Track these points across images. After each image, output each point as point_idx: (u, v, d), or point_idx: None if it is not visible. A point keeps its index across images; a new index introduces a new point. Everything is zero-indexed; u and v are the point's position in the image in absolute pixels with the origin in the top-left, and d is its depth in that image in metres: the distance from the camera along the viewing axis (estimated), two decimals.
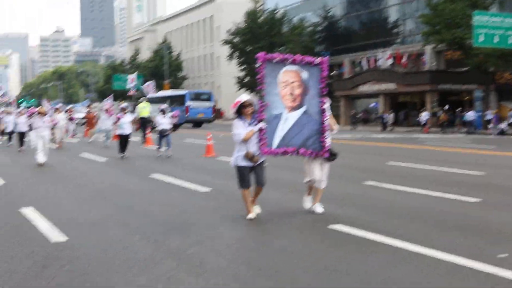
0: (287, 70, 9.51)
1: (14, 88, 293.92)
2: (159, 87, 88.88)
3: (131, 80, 65.03)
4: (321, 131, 9.66)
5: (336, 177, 14.71)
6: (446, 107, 46.65)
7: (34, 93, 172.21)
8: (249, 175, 9.30)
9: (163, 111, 22.00)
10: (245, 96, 9.31)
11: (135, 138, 29.05)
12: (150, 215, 9.91)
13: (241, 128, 9.13)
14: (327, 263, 6.77)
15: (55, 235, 8.31)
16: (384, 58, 52.67)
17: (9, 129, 28.63)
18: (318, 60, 9.72)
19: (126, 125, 21.38)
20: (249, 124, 9.17)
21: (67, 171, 17.26)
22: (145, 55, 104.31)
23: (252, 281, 6.10)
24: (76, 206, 10.96)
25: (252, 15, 66.49)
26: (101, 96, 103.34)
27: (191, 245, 7.68)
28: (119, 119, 21.56)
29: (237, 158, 9.26)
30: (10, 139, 28.94)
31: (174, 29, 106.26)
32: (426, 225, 8.88)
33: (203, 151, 22.15)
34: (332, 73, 62.65)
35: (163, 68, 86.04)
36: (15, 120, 27.00)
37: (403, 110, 54.78)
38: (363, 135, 39.01)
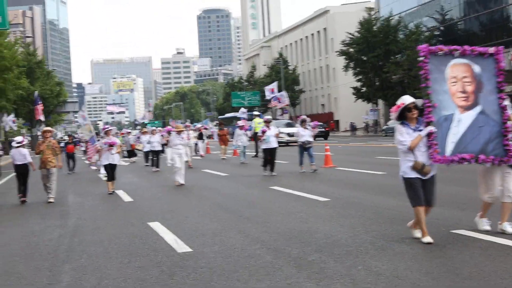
0: (456, 64, 8.22)
1: (139, 111, 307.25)
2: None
3: (270, 90, 58.82)
4: (503, 133, 8.22)
5: (459, 181, 14.33)
6: None
7: (158, 115, 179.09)
8: (421, 188, 7.98)
9: (303, 122, 20.49)
10: (408, 98, 8.08)
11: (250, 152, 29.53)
12: (270, 225, 10.08)
13: (406, 135, 7.97)
14: (450, 267, 6.63)
15: (180, 246, 8.66)
16: (509, 58, 50.52)
17: (145, 149, 28.48)
18: (492, 49, 8.39)
19: (272, 138, 20.09)
20: (415, 130, 7.99)
21: (190, 186, 17.80)
22: (262, 71, 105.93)
23: (372, 287, 6.07)
24: (199, 218, 11.33)
25: (366, 24, 65.89)
26: (221, 114, 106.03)
27: (311, 252, 7.76)
28: (264, 132, 20.18)
29: (405, 169, 8.06)
30: (147, 159, 28.79)
31: (288, 43, 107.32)
32: None
33: (322, 162, 22.17)
34: None
35: (280, 82, 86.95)
36: (149, 139, 26.91)
37: None
38: None
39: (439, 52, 8.15)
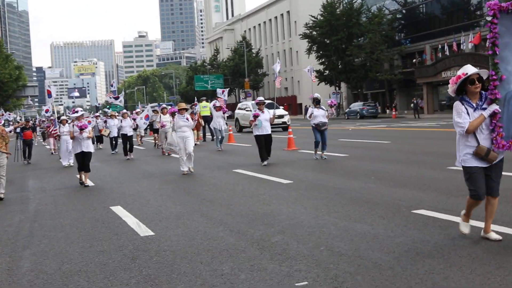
0: None
1: (101, 95, 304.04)
2: (240, 85, 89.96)
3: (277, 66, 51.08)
4: None
5: (420, 163, 14.57)
6: None
7: None
8: (483, 179, 6.67)
9: (317, 101, 17.77)
10: (471, 68, 6.55)
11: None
12: (233, 207, 10.08)
13: (465, 115, 6.57)
14: (410, 246, 6.71)
15: (142, 230, 8.61)
16: (468, 41, 51.12)
17: (113, 134, 26.08)
18: None
19: (266, 123, 17.32)
20: (476, 108, 6.58)
21: (153, 170, 17.69)
22: (225, 54, 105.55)
23: (334, 267, 6.12)
24: (162, 202, 11.28)
25: (329, 7, 66.10)
26: (184, 98, 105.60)
27: (274, 234, 7.78)
28: (256, 117, 17.29)
29: (465, 156, 6.77)
30: (114, 146, 26.62)
31: (252, 26, 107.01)
32: (510, 205, 8.62)
33: (285, 145, 22.26)
34: (413, 60, 61.53)
35: (243, 66, 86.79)
36: (120, 124, 24.61)
37: None
38: (447, 122, 38.13)
39: None
